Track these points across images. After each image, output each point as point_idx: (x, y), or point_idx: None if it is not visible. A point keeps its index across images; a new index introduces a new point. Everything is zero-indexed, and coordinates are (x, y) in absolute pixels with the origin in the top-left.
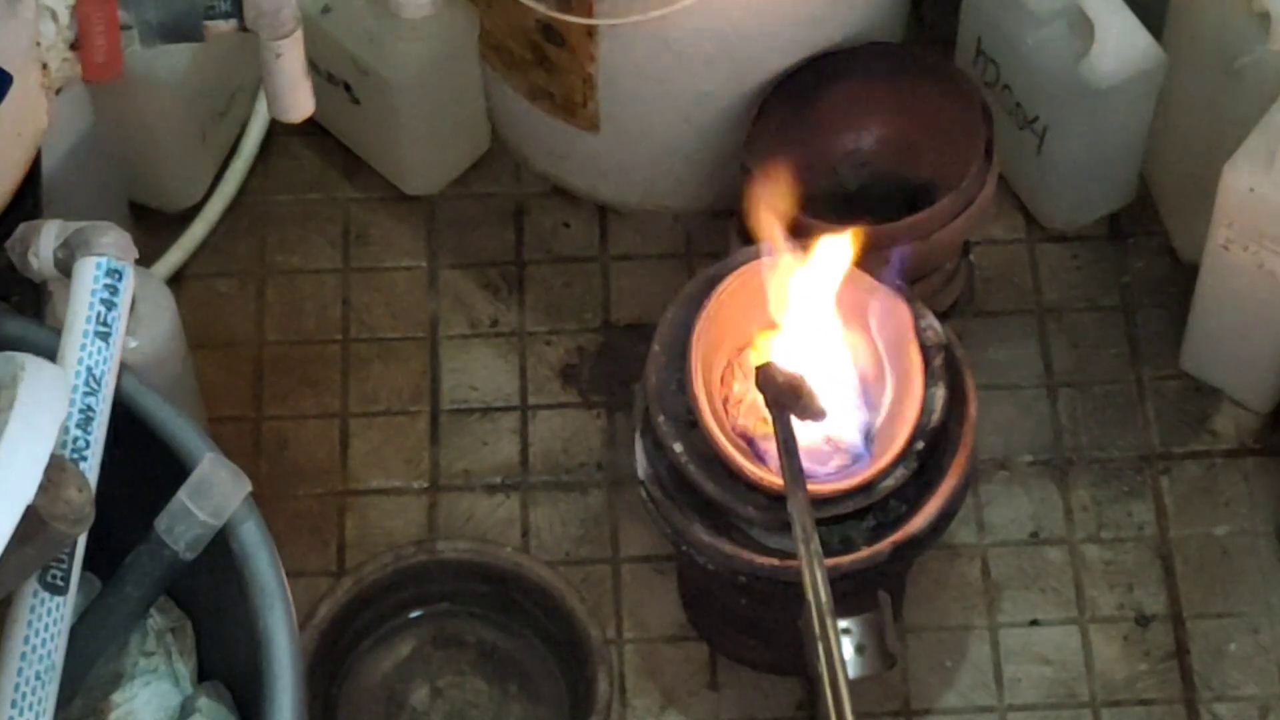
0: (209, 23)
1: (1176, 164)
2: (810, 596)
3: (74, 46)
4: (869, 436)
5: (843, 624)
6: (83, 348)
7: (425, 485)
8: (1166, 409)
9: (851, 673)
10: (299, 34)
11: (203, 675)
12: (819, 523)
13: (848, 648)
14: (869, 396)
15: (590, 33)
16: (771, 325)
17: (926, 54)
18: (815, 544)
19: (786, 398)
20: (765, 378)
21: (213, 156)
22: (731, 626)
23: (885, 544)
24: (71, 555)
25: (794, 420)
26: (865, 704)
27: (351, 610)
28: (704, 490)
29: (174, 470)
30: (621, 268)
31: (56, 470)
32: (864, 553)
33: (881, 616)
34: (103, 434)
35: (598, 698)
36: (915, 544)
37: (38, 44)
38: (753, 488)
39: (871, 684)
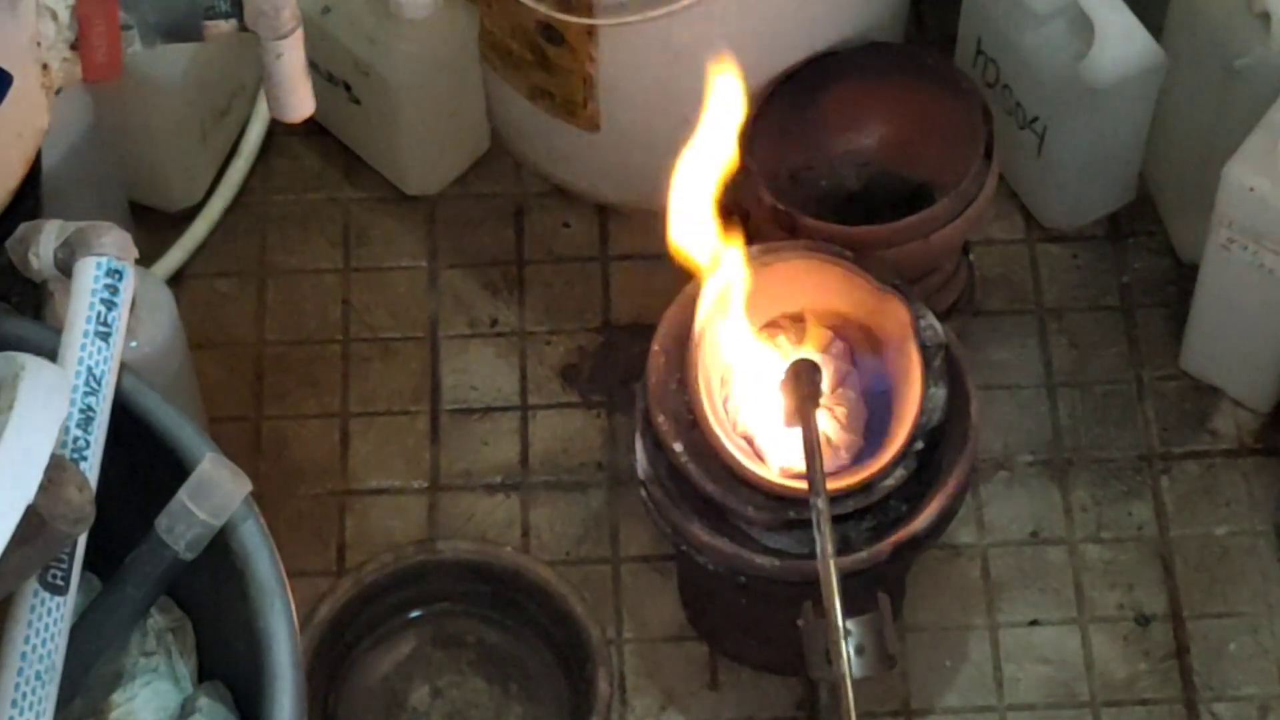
0: (209, 23)
1: (1176, 164)
2: (826, 603)
3: (74, 46)
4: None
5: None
6: (83, 348)
7: (425, 485)
8: (1166, 409)
9: (856, 673)
10: (299, 34)
11: (203, 675)
12: None
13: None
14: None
15: (590, 33)
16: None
17: (926, 54)
18: (830, 548)
19: (814, 398)
20: (794, 377)
21: (213, 156)
22: (731, 626)
23: (885, 544)
24: (71, 555)
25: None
26: (865, 704)
27: (351, 610)
28: (704, 490)
29: (174, 470)
30: (621, 268)
31: (56, 470)
32: (864, 553)
33: (881, 617)
34: (103, 434)
35: (598, 698)
36: (915, 544)
37: (38, 44)
38: (753, 488)
39: (871, 684)
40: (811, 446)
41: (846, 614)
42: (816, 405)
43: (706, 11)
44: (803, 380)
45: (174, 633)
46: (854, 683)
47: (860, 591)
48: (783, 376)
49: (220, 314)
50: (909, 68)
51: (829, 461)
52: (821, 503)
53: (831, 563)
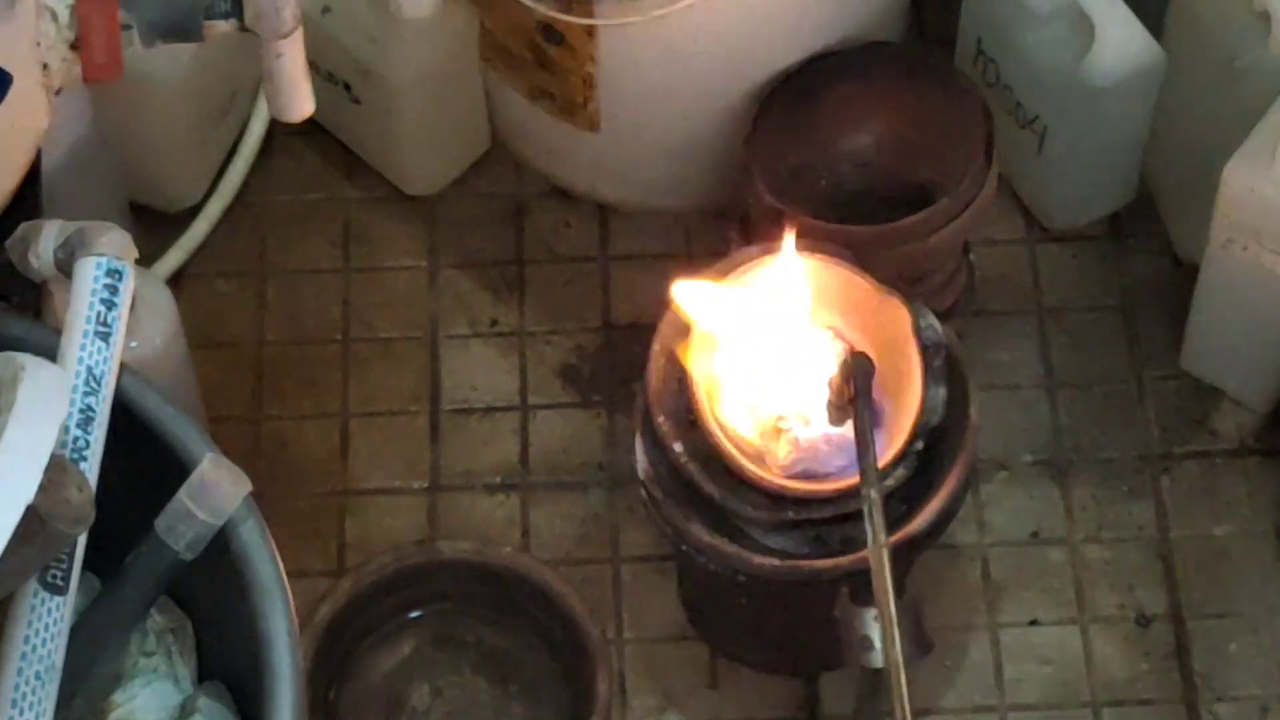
0: (209, 23)
1: (1176, 164)
2: (878, 594)
3: (74, 46)
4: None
5: (874, 611)
6: (83, 348)
7: (425, 485)
8: (1166, 409)
9: (883, 662)
10: (299, 34)
11: (203, 675)
12: (820, 523)
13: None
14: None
15: (590, 33)
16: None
17: (926, 54)
18: (883, 537)
19: (868, 392)
20: (848, 370)
21: (213, 156)
22: (731, 626)
23: (887, 543)
24: (71, 555)
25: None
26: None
27: (351, 610)
28: (704, 490)
29: (174, 470)
30: (621, 268)
31: (56, 470)
32: (864, 553)
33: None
34: (103, 434)
35: (598, 698)
36: (915, 544)
37: (38, 44)
38: (753, 488)
39: (869, 680)
40: (864, 439)
41: (870, 605)
42: (870, 398)
43: (706, 11)
44: (858, 373)
45: (174, 633)
46: (876, 673)
47: (861, 590)
48: (835, 369)
49: (220, 314)
50: (909, 68)
51: (830, 462)
52: (875, 493)
53: (885, 552)
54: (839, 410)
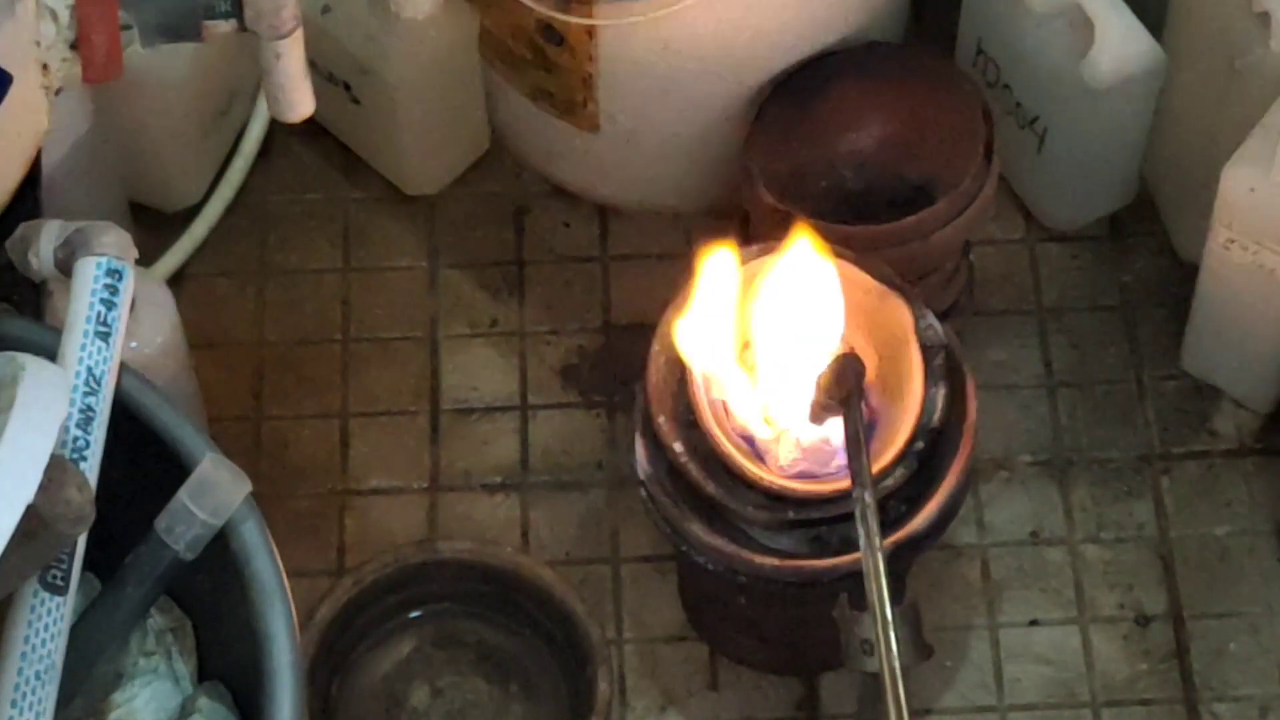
0: (209, 23)
1: (1176, 164)
2: (872, 597)
3: (74, 46)
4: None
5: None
6: (83, 348)
7: (425, 485)
8: (1166, 409)
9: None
10: (299, 34)
11: (203, 675)
12: (820, 523)
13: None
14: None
15: (590, 33)
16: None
17: (926, 54)
18: (877, 541)
19: (859, 392)
20: (838, 370)
21: (213, 156)
22: (731, 626)
23: (885, 544)
24: (71, 555)
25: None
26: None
27: (351, 610)
28: (704, 490)
29: (174, 470)
30: (621, 268)
31: (56, 470)
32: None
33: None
34: (103, 434)
35: (598, 698)
36: (915, 544)
37: (38, 44)
38: (753, 488)
39: (870, 684)
40: (856, 440)
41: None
42: (862, 398)
43: (706, 11)
44: (847, 374)
45: (174, 633)
46: (876, 676)
47: (860, 594)
48: (823, 369)
49: (220, 314)
50: (909, 68)
51: (829, 464)
52: (868, 495)
53: (879, 555)
54: (824, 409)
